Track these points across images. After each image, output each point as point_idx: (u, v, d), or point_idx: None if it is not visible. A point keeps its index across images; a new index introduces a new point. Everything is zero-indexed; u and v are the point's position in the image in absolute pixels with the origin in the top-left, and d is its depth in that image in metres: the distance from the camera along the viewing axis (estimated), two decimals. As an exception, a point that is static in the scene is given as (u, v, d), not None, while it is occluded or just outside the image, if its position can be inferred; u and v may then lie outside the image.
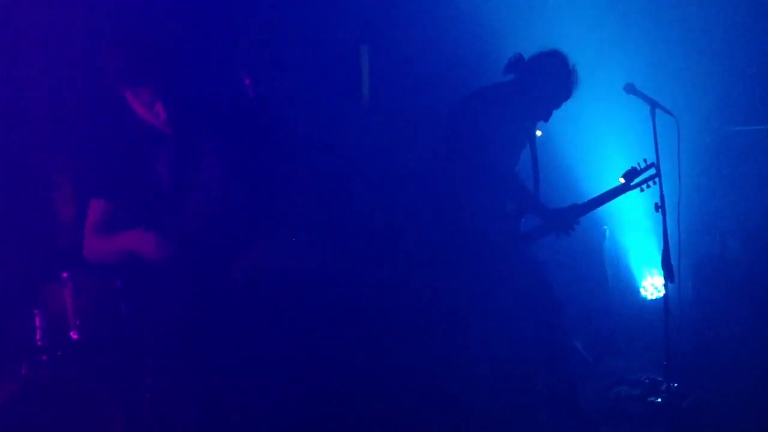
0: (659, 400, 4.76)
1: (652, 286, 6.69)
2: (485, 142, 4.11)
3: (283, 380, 3.20)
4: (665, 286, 4.43)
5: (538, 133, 4.58)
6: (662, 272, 4.36)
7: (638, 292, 6.73)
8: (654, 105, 4.41)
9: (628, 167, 4.51)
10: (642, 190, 4.51)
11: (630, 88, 4.42)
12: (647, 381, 5.11)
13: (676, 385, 4.58)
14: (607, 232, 6.47)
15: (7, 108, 4.22)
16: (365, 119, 5.21)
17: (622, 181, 4.45)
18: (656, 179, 4.43)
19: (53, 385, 3.67)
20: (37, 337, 3.83)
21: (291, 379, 3.24)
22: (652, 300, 6.63)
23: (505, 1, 5.67)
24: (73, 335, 3.88)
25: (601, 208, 4.55)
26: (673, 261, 4.34)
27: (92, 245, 3.18)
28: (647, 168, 4.45)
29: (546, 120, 4.32)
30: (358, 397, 4.14)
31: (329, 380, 3.86)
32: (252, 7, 4.76)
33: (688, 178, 4.58)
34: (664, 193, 4.36)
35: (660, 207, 4.35)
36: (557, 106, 4.30)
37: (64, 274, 3.91)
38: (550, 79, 4.21)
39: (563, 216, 4.35)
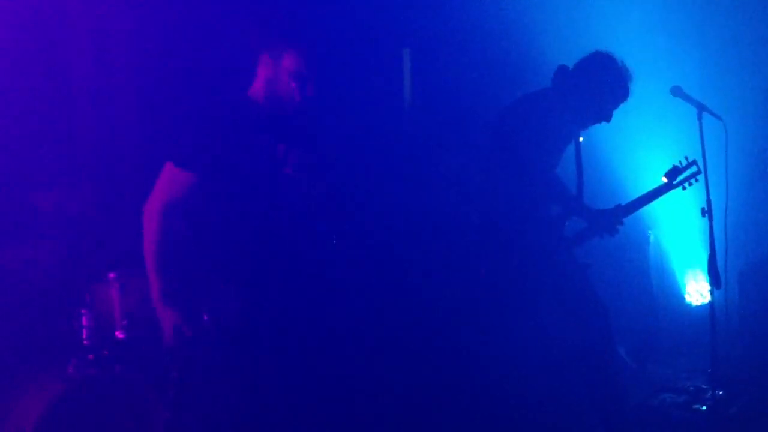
0: (704, 408, 4.69)
1: (697, 292, 6.60)
2: (532, 148, 4.07)
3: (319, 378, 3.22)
4: (711, 292, 4.38)
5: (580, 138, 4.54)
6: (708, 278, 4.30)
7: (683, 298, 6.65)
8: (701, 108, 4.35)
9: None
10: (684, 188, 4.42)
11: (677, 91, 4.36)
12: (692, 388, 5.05)
13: (721, 392, 4.52)
14: (652, 237, 6.41)
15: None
16: (408, 122, 5.21)
17: (665, 180, 4.39)
18: (698, 177, 4.35)
19: (99, 384, 3.72)
20: (84, 336, 3.90)
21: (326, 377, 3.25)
22: (697, 306, 6.55)
23: (550, 4, 5.63)
24: (119, 335, 3.94)
25: (645, 212, 4.50)
26: (720, 267, 4.28)
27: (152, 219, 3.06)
28: (689, 165, 4.37)
29: (608, 121, 4.24)
30: (394, 398, 4.15)
31: (364, 380, 3.86)
32: (295, 10, 4.79)
33: (735, 183, 4.51)
34: (711, 198, 4.30)
35: (707, 212, 4.30)
36: (616, 105, 4.22)
37: (112, 275, 3.97)
38: (603, 82, 4.13)
39: (607, 217, 4.30)
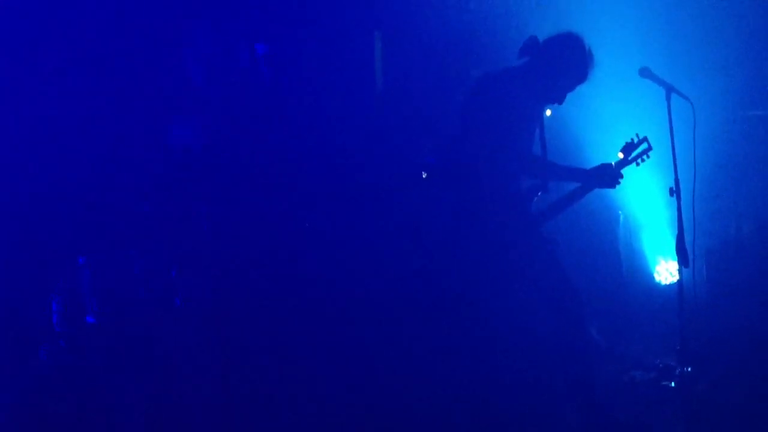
0: (673, 384, 4.76)
1: (666, 270, 6.66)
2: (500, 125, 4.08)
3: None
4: (679, 270, 4.42)
5: (548, 112, 4.55)
6: (676, 257, 4.35)
7: (652, 276, 6.71)
8: (669, 89, 4.38)
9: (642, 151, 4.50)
10: (637, 164, 4.49)
11: (645, 72, 4.39)
12: (661, 365, 5.12)
13: (689, 369, 4.58)
14: (622, 217, 6.45)
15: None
16: (379, 105, 5.19)
17: (621, 155, 4.45)
18: (649, 153, 4.43)
19: (70, 369, 3.70)
20: (54, 321, 3.87)
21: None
22: (666, 285, 6.61)
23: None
24: (90, 319, 3.92)
25: (615, 192, 4.55)
26: (688, 245, 4.33)
27: None
28: (640, 142, 4.44)
29: (560, 103, 4.28)
30: (368, 396, 4.14)
31: (339, 377, 3.85)
32: None
33: (703, 163, 4.56)
34: (679, 177, 4.35)
35: (675, 191, 4.34)
36: (571, 89, 4.25)
37: (81, 260, 3.94)
38: (564, 62, 4.15)
39: (606, 170, 4.37)
